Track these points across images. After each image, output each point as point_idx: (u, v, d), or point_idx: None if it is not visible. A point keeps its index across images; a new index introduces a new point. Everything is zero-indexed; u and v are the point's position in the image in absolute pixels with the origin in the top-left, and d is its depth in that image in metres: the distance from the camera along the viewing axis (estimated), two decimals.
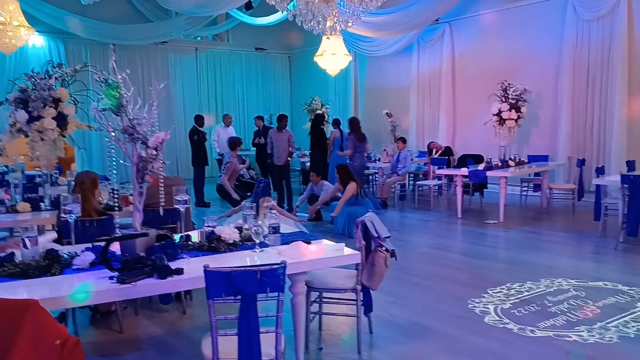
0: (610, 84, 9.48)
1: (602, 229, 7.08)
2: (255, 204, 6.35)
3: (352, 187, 7.64)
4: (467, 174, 8.64)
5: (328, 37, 10.66)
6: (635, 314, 4.36)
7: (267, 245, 3.41)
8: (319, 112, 12.72)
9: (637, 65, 9.22)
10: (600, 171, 7.29)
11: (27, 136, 5.08)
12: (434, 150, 11.14)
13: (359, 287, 3.72)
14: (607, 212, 7.06)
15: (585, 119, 9.97)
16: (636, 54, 9.23)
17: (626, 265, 5.86)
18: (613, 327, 4.12)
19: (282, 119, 10.23)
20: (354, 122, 9.96)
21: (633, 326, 4.12)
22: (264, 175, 11.02)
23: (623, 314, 4.36)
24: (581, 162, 8.67)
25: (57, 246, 3.19)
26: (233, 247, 3.38)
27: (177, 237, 3.49)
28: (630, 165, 7.70)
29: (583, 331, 4.05)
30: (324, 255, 3.30)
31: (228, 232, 3.43)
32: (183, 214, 3.77)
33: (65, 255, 3.03)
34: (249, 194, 8.92)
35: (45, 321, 2.22)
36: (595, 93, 9.78)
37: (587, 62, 9.80)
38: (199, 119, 10.96)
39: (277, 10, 5.60)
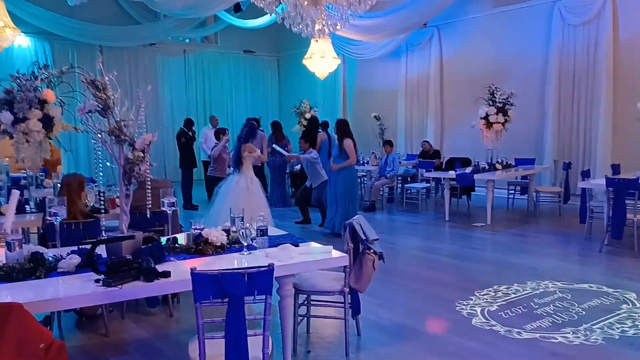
0: (596, 87, 9.59)
1: (587, 231, 7.16)
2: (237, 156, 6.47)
3: (350, 143, 7.56)
4: (454, 176, 8.69)
5: (317, 40, 10.69)
6: (620, 316, 4.41)
7: (254, 248, 3.40)
8: (314, 115, 12.70)
9: (622, 69, 9.34)
10: (585, 174, 7.36)
11: (12, 138, 5.03)
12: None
13: (346, 290, 3.72)
14: (592, 215, 7.13)
15: (571, 123, 10.08)
16: (621, 58, 9.35)
17: (611, 268, 5.92)
18: (598, 328, 4.16)
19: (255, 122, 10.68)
20: (275, 125, 11.14)
21: (617, 327, 4.16)
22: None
23: (608, 316, 4.41)
24: (567, 166, 8.76)
25: (42, 249, 3.16)
26: (220, 249, 3.37)
27: (164, 240, 3.47)
28: (615, 168, 7.78)
29: (569, 333, 4.08)
30: (311, 258, 3.29)
31: (215, 234, 3.42)
32: (170, 216, 3.76)
33: (51, 259, 3.00)
34: None
35: (30, 325, 2.20)
36: (581, 97, 9.89)
37: (573, 66, 9.92)
38: (189, 123, 10.93)
39: (266, 13, 5.60)
